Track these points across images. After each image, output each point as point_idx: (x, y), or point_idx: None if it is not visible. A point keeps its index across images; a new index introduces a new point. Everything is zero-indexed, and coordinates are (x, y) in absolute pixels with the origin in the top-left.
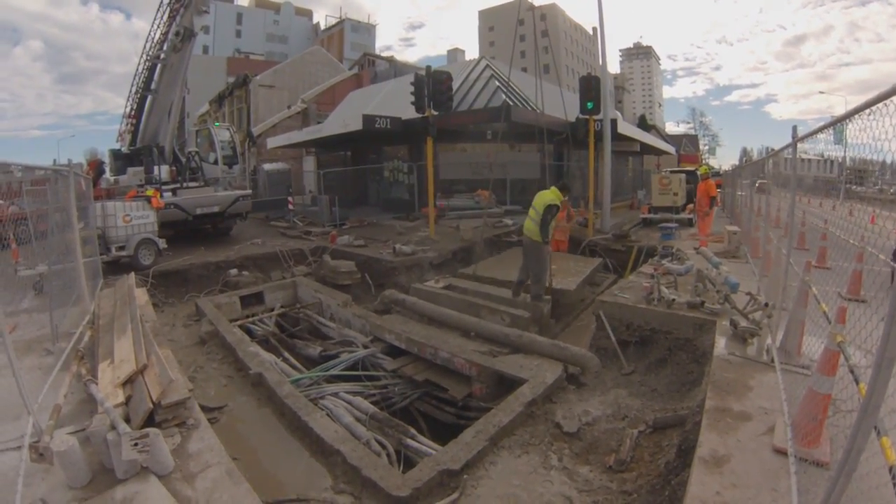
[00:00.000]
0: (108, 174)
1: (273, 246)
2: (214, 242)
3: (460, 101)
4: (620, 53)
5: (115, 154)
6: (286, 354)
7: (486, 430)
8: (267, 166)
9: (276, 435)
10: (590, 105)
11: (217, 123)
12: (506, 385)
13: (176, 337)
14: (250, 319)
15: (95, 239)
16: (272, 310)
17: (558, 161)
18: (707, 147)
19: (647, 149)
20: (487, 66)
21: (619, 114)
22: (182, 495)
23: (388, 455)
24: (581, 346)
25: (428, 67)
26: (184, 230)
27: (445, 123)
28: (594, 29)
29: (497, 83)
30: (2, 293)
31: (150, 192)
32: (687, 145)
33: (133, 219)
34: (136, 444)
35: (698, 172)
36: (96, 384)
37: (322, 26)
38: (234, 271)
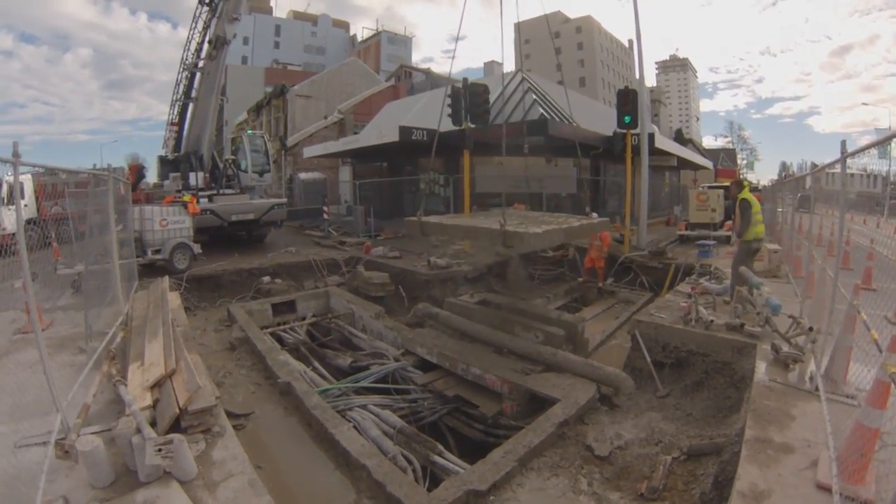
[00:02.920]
0: (147, 178)
1: (307, 255)
2: (248, 249)
3: (497, 113)
4: (656, 66)
5: (162, 160)
6: (316, 364)
7: (515, 450)
8: (303, 175)
9: (301, 445)
10: (627, 119)
11: (250, 132)
12: (537, 404)
13: (206, 341)
14: (281, 327)
15: (132, 242)
16: (304, 318)
17: (595, 176)
18: (745, 161)
19: (683, 163)
20: (524, 79)
21: (655, 128)
22: (203, 503)
23: (415, 471)
24: (615, 366)
25: (464, 80)
26: (219, 236)
27: (481, 136)
28: (630, 41)
29: (534, 96)
30: (41, 290)
31: (186, 197)
32: (724, 160)
33: (169, 223)
34: (160, 450)
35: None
36: (125, 385)
37: (359, 38)
38: (266, 278)
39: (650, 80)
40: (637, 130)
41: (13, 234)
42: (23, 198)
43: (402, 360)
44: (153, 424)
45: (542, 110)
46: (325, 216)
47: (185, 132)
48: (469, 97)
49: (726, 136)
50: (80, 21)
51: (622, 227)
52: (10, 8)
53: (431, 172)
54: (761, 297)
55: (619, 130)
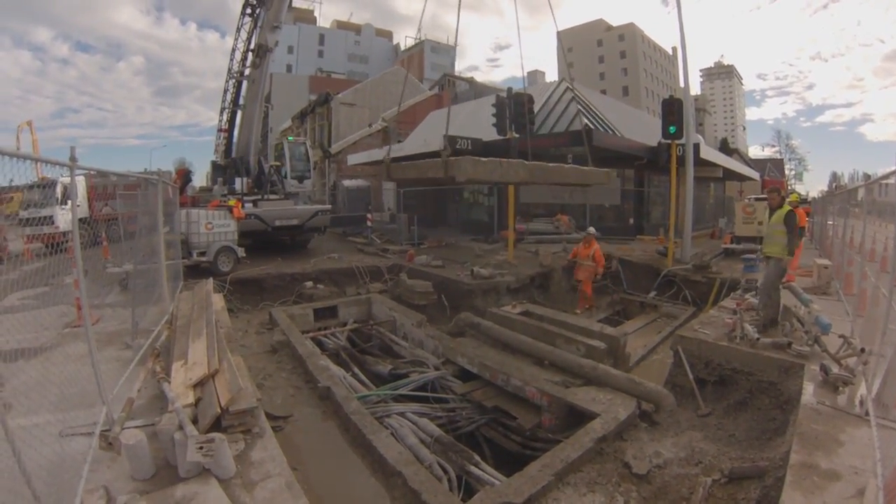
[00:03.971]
0: (193, 183)
1: (350, 261)
2: (292, 254)
3: (541, 123)
4: (701, 73)
5: (214, 165)
6: (355, 370)
7: (552, 464)
8: (347, 182)
9: (338, 450)
10: (672, 129)
11: (291, 138)
12: (576, 418)
13: (248, 343)
14: (322, 332)
15: (178, 244)
16: (345, 324)
17: (638, 187)
18: (793, 172)
19: (729, 174)
20: (568, 88)
21: (700, 137)
22: (239, 502)
23: (450, 481)
24: (656, 381)
25: (509, 89)
26: (263, 241)
27: (525, 146)
28: (674, 49)
29: (578, 106)
30: (91, 287)
31: (232, 202)
32: (772, 170)
33: (215, 227)
34: (201, 448)
35: (786, 200)
36: (169, 383)
37: (402, 47)
38: (309, 284)
39: (694, 89)
40: (682, 141)
41: (65, 233)
42: (76, 197)
43: (441, 370)
44: (195, 422)
45: (586, 120)
46: (369, 223)
47: (234, 138)
48: (514, 106)
49: (774, 146)
50: (133, 31)
51: (665, 240)
52: (66, 18)
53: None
54: (810, 314)
55: (663, 141)
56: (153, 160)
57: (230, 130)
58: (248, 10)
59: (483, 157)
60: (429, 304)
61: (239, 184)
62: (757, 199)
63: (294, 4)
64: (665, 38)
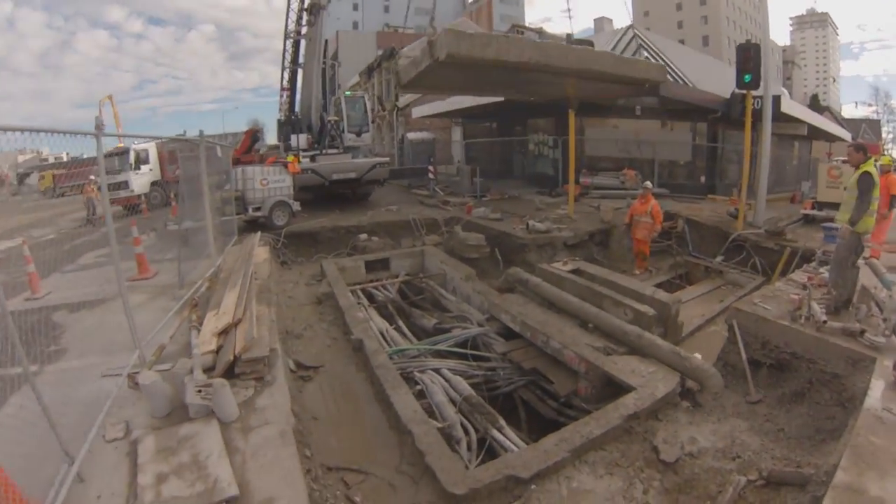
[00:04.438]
0: (264, 141)
1: (406, 214)
2: (351, 207)
3: None
4: (791, 22)
5: (280, 123)
6: (400, 323)
7: (571, 439)
8: (411, 135)
9: (362, 403)
10: (747, 78)
11: (348, 93)
12: (613, 389)
13: (296, 294)
14: (373, 284)
15: (233, 200)
16: (397, 276)
17: (712, 142)
18: (891, 135)
19: (816, 133)
20: (635, 35)
21: (784, 90)
22: (232, 445)
23: (469, 442)
24: (708, 357)
25: (567, 36)
26: (322, 194)
27: (591, 96)
28: None
29: (646, 54)
30: (157, 243)
31: (290, 158)
32: (867, 132)
33: (270, 182)
34: (199, 391)
35: (878, 164)
36: (198, 330)
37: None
38: (363, 236)
39: (783, 39)
40: (760, 92)
41: (139, 195)
42: (148, 163)
43: (485, 326)
44: (212, 368)
45: None
46: (431, 176)
47: (298, 96)
48: None
49: (871, 105)
50: (202, 1)
51: (738, 201)
52: None
53: (540, 133)
54: (892, 299)
55: (737, 91)
56: (226, 123)
57: (292, 89)
58: None
59: (547, 107)
60: (481, 257)
61: (295, 140)
62: (844, 162)
63: None
64: None
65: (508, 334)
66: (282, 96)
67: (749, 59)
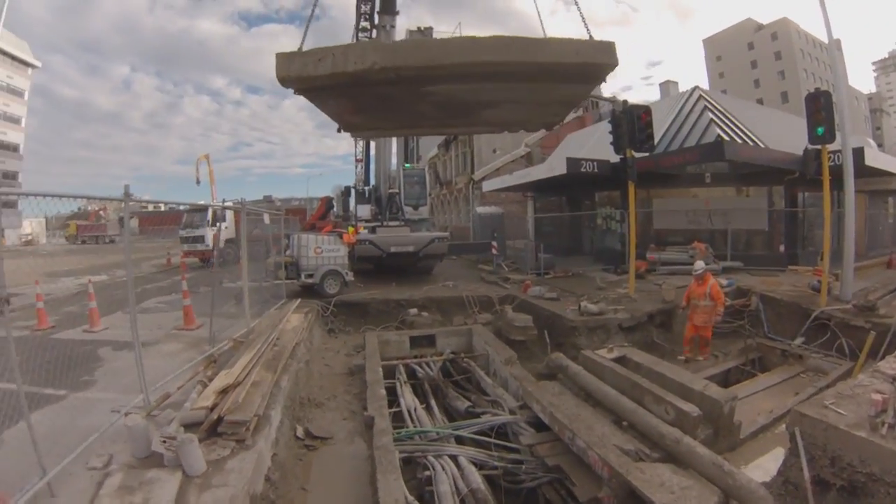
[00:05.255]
0: (335, 209)
1: (461, 290)
2: (409, 280)
3: (672, 138)
4: (874, 67)
5: (338, 194)
6: (432, 402)
7: None
8: (480, 209)
9: (355, 483)
10: (819, 131)
11: (407, 165)
12: (638, 501)
13: (333, 363)
14: (416, 360)
15: (283, 266)
16: (441, 354)
17: (791, 206)
18: None
19: None
20: (700, 96)
21: (870, 141)
22: (184, 498)
23: None
24: (768, 467)
25: (624, 102)
26: (382, 266)
27: (654, 166)
28: (838, 40)
29: (710, 115)
30: (217, 297)
31: (350, 229)
32: None
33: (324, 251)
34: (164, 441)
35: None
36: (203, 386)
37: None
38: (413, 311)
39: (868, 85)
40: (837, 145)
41: (213, 249)
42: (224, 221)
43: (517, 414)
44: (200, 423)
45: (718, 131)
46: (494, 251)
47: (372, 166)
48: (630, 121)
49: None
50: None
51: (822, 271)
52: (238, 66)
53: (608, 207)
54: None
55: (810, 147)
56: (311, 187)
57: (365, 160)
58: None
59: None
60: (528, 340)
61: (363, 210)
62: None
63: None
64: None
65: (540, 425)
66: (356, 167)
67: (819, 109)
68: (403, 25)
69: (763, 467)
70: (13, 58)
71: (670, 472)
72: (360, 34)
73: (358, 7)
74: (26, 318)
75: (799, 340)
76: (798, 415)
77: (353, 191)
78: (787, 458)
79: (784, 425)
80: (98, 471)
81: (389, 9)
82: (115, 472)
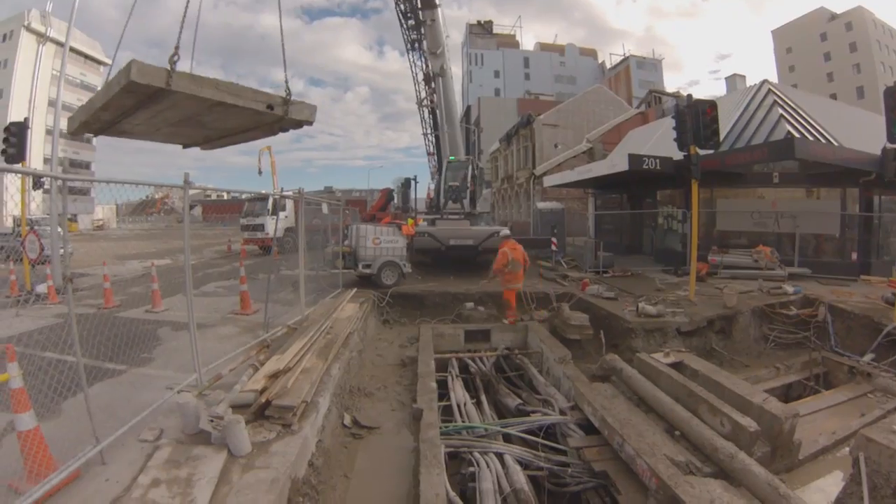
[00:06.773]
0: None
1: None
2: (468, 273)
3: (738, 135)
4: None
5: (399, 186)
6: (483, 397)
7: None
8: (540, 205)
9: (399, 473)
10: None
11: (452, 158)
12: None
13: (386, 354)
14: (470, 354)
15: (341, 255)
16: (496, 349)
17: (866, 211)
18: None
19: None
20: (770, 91)
21: None
22: (227, 476)
23: None
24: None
25: (688, 96)
26: (441, 258)
27: (719, 164)
28: None
29: (780, 111)
30: (274, 284)
31: (409, 221)
32: None
33: (382, 242)
34: (211, 421)
35: None
36: (255, 369)
37: (607, 65)
38: (470, 304)
39: None
40: None
41: (272, 238)
42: (284, 210)
43: (567, 415)
44: (248, 405)
45: (788, 127)
46: (554, 248)
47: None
48: (695, 117)
49: None
50: (358, 65)
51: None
52: (301, 59)
53: (669, 206)
54: None
55: (889, 146)
56: (371, 179)
57: (437, 154)
58: (408, 46)
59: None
60: (583, 339)
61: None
62: None
63: (496, 31)
64: None
65: (590, 427)
66: (430, 161)
67: None
68: (464, 18)
69: (822, 491)
70: (86, 56)
71: (721, 488)
72: (408, 33)
73: (397, 9)
74: (95, 296)
75: (868, 357)
76: (864, 439)
77: (415, 183)
78: (847, 484)
79: (847, 448)
80: (149, 443)
81: (429, 3)
82: (165, 445)
